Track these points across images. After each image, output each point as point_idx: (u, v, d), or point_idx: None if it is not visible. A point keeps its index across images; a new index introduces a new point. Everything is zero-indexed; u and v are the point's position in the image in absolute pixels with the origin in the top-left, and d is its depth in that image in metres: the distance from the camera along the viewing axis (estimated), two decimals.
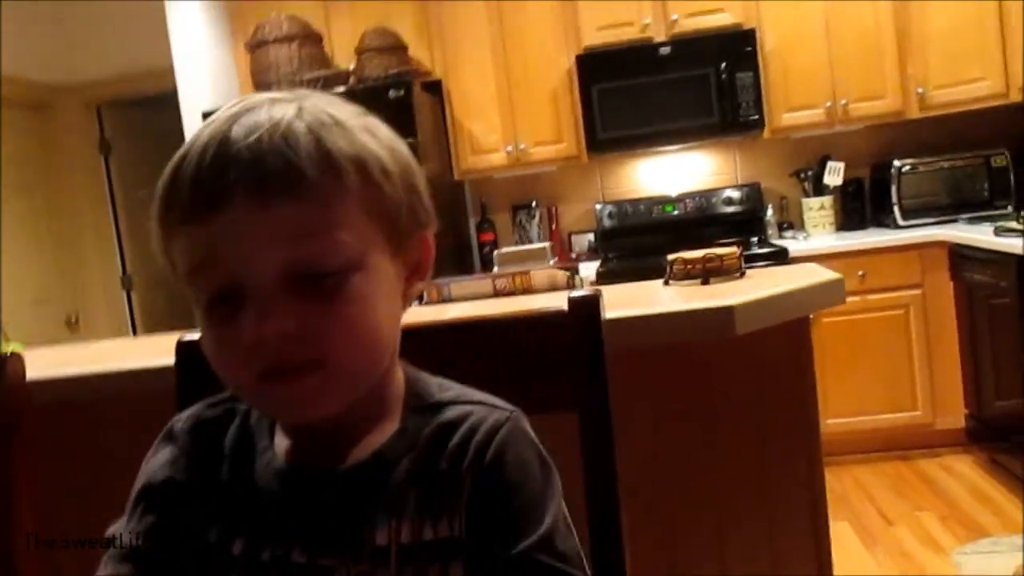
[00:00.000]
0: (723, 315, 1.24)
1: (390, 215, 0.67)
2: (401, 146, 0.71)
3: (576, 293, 0.90)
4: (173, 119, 3.76)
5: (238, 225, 0.62)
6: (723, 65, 3.73)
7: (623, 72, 3.81)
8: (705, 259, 1.49)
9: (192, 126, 3.75)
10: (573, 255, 4.18)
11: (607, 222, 4.13)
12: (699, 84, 3.77)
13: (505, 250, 1.95)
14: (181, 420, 0.77)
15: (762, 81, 3.76)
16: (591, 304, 0.89)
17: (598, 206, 4.17)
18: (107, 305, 4.66)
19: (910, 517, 3.02)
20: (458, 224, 4.26)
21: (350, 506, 0.69)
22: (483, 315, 0.97)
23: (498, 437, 0.69)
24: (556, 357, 0.89)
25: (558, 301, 0.90)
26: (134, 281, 4.69)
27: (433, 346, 0.93)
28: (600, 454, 0.86)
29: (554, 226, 4.25)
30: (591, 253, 4.15)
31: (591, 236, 4.20)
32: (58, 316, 4.42)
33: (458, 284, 1.68)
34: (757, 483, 1.47)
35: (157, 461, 0.75)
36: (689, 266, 1.50)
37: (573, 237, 4.27)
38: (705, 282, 1.49)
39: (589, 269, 3.67)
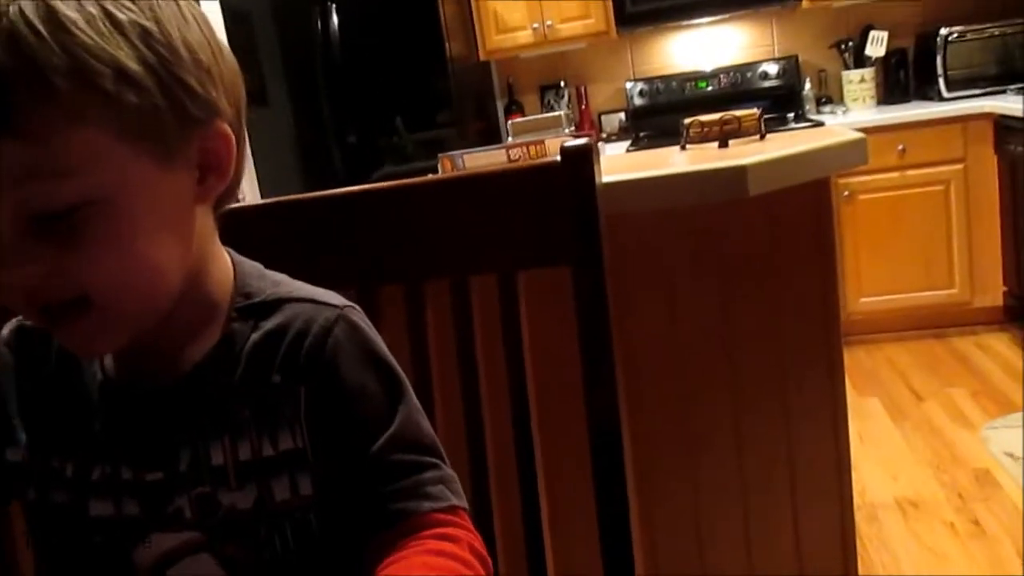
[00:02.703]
0: (735, 175, 1.20)
1: (146, 125, 0.57)
2: (163, 26, 0.58)
3: (569, 143, 0.87)
4: None
5: None
6: None
7: None
8: (722, 121, 1.43)
9: None
10: (604, 135, 4.09)
11: (638, 100, 4.02)
12: None
13: (519, 120, 1.89)
14: (10, 325, 0.72)
15: None
16: (583, 154, 0.85)
17: (628, 84, 4.05)
18: None
19: (941, 394, 3.00)
20: (486, 107, 4.17)
21: (176, 424, 0.65)
22: (475, 170, 0.94)
23: (330, 340, 0.65)
24: (550, 209, 0.86)
25: None
26: None
27: (428, 204, 0.92)
28: (593, 309, 0.85)
29: (584, 106, 4.14)
30: (622, 133, 4.04)
31: (621, 116, 4.09)
32: None
33: (471, 156, 1.64)
34: (773, 351, 1.45)
35: None
36: (706, 129, 1.44)
37: (603, 117, 4.16)
38: (723, 145, 1.44)
39: (619, 149, 3.58)
